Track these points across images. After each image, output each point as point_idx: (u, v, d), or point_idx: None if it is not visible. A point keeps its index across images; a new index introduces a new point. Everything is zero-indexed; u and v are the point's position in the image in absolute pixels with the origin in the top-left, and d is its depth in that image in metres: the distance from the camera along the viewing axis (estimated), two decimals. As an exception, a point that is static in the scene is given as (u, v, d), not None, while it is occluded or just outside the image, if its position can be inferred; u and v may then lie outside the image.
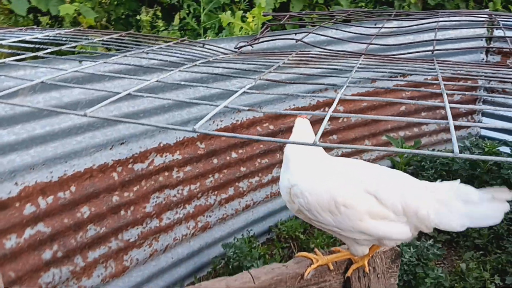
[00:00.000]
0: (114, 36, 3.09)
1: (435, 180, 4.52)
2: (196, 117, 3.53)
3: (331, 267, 2.05)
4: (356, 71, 2.34)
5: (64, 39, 2.94)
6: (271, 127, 4.10)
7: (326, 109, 4.41)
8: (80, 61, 2.90)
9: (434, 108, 5.12)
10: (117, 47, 2.88)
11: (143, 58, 2.90)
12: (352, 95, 4.43)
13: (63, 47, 2.61)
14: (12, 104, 2.45)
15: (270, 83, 3.80)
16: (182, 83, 2.03)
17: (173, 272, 3.49)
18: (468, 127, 5.33)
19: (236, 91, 2.13)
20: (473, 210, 1.87)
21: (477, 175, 4.41)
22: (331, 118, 4.58)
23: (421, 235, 3.99)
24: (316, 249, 2.23)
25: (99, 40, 2.96)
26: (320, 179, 2.02)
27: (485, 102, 5.38)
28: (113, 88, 2.99)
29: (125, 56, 2.50)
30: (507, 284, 3.42)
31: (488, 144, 4.46)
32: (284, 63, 2.55)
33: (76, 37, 3.01)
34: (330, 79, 3.88)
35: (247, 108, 1.88)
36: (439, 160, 4.70)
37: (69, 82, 2.81)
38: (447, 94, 1.83)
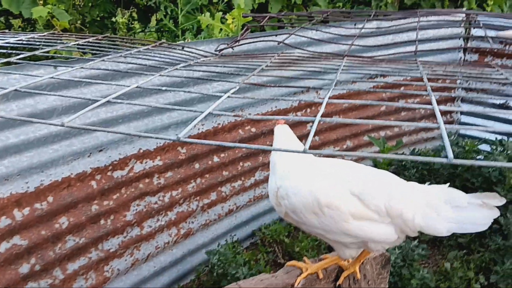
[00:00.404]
0: (90, 39, 2.99)
1: (416, 179, 4.55)
2: (177, 122, 3.45)
3: (321, 276, 2.00)
4: (341, 72, 2.31)
5: (38, 43, 2.83)
6: (253, 129, 4.04)
7: (308, 110, 4.37)
8: (55, 67, 2.81)
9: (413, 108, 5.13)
10: (94, 51, 2.78)
11: (121, 62, 2.81)
12: (334, 96, 4.41)
13: (37, 52, 2.51)
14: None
15: (253, 85, 3.75)
16: (163, 88, 1.96)
17: (155, 281, 3.41)
18: (450, 124, 5.36)
19: (219, 95, 2.06)
20: (461, 215, 1.82)
21: (458, 174, 4.44)
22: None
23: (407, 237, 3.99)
24: (305, 258, 2.18)
25: (75, 44, 2.86)
26: (305, 180, 1.99)
27: (463, 100, 5.43)
28: (90, 94, 2.89)
29: (103, 60, 2.42)
30: (491, 283, 3.44)
31: (468, 142, 4.48)
32: (267, 65, 2.50)
33: (50, 41, 2.90)
34: (314, 81, 3.85)
35: (232, 114, 1.82)
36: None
37: (44, 88, 2.71)
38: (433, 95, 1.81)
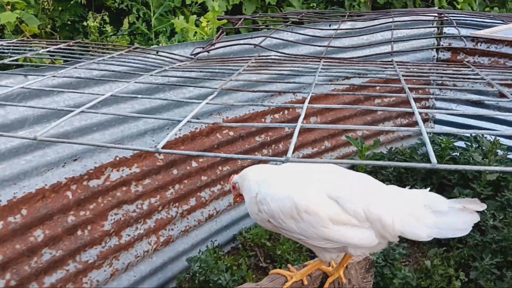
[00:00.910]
0: (62, 45, 2.92)
1: (394, 177, 4.57)
2: (153, 128, 3.40)
3: (306, 282, 1.98)
4: (318, 75, 2.30)
5: (6, 51, 2.74)
6: (231, 133, 4.01)
7: (286, 112, 4.36)
8: (25, 75, 2.71)
9: (393, 105, 5.18)
10: (65, 58, 2.71)
11: (94, 69, 2.75)
12: (312, 97, 4.40)
13: (5, 61, 2.43)
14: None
15: (228, 91, 3.71)
16: (139, 96, 1.91)
17: (136, 290, 3.34)
18: (424, 122, 5.42)
19: (198, 102, 2.03)
20: (442, 220, 1.81)
21: (435, 171, 4.49)
22: (291, 121, 4.55)
23: (386, 235, 4.01)
24: (289, 265, 2.16)
25: (45, 51, 2.78)
26: (282, 185, 1.97)
27: (437, 99, 5.50)
28: (63, 102, 2.81)
29: (75, 68, 2.35)
30: (471, 279, 3.48)
31: (444, 140, 4.54)
32: (244, 69, 2.47)
33: (20, 48, 2.82)
34: (292, 84, 3.84)
35: (211, 122, 1.78)
36: (397, 157, 4.76)
37: (15, 98, 2.63)
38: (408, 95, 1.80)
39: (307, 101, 1.83)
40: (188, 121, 1.78)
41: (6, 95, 1.89)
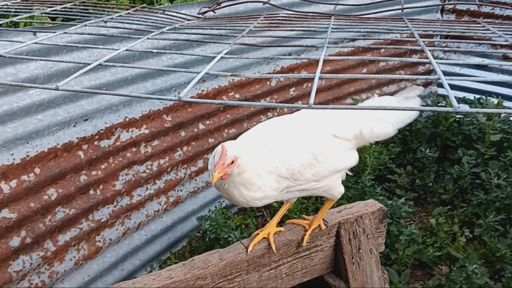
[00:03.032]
0: (68, 5, 2.88)
1: (399, 139, 4.59)
2: (161, 89, 3.39)
3: (323, 227, 2.03)
4: (331, 32, 2.29)
5: (13, 10, 2.71)
6: (237, 95, 4.00)
7: (302, 70, 4.34)
8: (34, 33, 2.70)
9: (397, 68, 5.18)
10: (72, 17, 2.68)
11: (104, 27, 2.72)
12: (328, 55, 4.39)
13: (15, 19, 2.41)
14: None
15: (241, 48, 3.70)
16: (154, 51, 1.90)
17: (147, 249, 3.40)
18: (428, 85, 5.44)
19: (212, 57, 2.02)
20: (397, 114, 2.17)
21: (439, 133, 4.52)
22: (295, 84, 4.54)
23: (392, 195, 4.07)
24: (304, 216, 2.21)
25: (52, 10, 2.75)
26: (291, 143, 2.01)
27: (441, 59, 5.48)
28: (73, 60, 2.79)
29: (85, 25, 2.33)
30: (475, 236, 3.55)
31: (448, 101, 4.55)
32: (254, 26, 2.46)
33: (25, 8, 2.79)
34: (305, 40, 3.80)
35: (229, 74, 1.79)
36: (402, 120, 4.77)
37: (25, 56, 2.60)
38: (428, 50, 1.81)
39: (323, 53, 1.84)
40: (206, 73, 1.79)
41: (16, 51, 1.88)
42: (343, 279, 2.05)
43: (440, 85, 5.57)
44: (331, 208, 2.15)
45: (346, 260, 2.01)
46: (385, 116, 2.15)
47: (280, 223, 2.35)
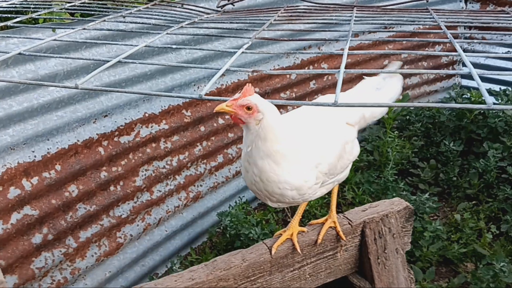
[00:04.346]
0: (87, 0, 2.86)
1: (422, 132, 4.49)
2: (180, 84, 3.36)
3: (338, 228, 1.97)
4: (354, 23, 2.22)
5: (32, 6, 2.70)
6: (257, 89, 3.95)
7: (323, 63, 4.27)
8: (54, 30, 2.68)
9: (419, 59, 5.06)
10: (90, 12, 2.66)
11: (123, 22, 2.69)
12: (351, 48, 4.31)
13: (34, 15, 2.39)
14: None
15: (260, 42, 3.64)
16: (174, 46, 1.86)
17: (168, 245, 3.39)
18: (451, 77, 5.31)
19: (232, 52, 1.98)
20: (387, 91, 2.24)
21: (464, 126, 4.41)
22: (316, 77, 4.47)
23: (415, 190, 3.99)
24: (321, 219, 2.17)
25: (71, 6, 2.73)
26: (323, 135, 1.95)
27: (464, 50, 5.35)
28: (92, 57, 2.78)
29: (104, 21, 2.30)
30: (502, 232, 3.46)
31: (474, 93, 4.43)
32: (274, 20, 2.40)
33: (44, 4, 2.77)
34: (326, 33, 3.73)
35: (250, 70, 1.74)
36: (424, 113, 4.66)
37: (45, 52, 2.59)
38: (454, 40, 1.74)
39: (347, 46, 1.78)
40: (227, 69, 1.75)
41: (35, 49, 1.87)
42: (368, 279, 2.00)
43: (464, 76, 5.43)
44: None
45: (372, 260, 1.96)
46: (380, 95, 2.22)
47: (301, 221, 2.32)
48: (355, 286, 2.00)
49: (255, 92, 4.00)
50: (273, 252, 1.85)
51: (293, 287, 1.93)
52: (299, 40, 2.40)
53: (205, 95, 1.47)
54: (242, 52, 1.84)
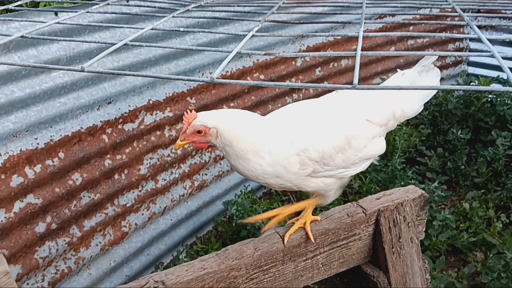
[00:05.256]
0: (89, -17, 2.78)
1: (429, 120, 4.42)
2: (185, 70, 3.29)
3: (311, 235, 1.86)
4: (366, 6, 2.15)
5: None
6: (262, 76, 3.89)
7: (328, 50, 4.20)
8: (56, 13, 2.61)
9: (426, 46, 4.99)
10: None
11: (127, 5, 2.62)
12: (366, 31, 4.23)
13: (36, -2, 2.32)
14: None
15: (267, 26, 3.57)
16: (181, 29, 1.79)
17: (173, 234, 3.34)
18: (458, 64, 5.24)
19: (241, 35, 1.91)
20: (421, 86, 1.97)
21: (471, 113, 4.35)
22: (321, 64, 4.39)
23: (423, 179, 3.93)
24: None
25: (73, -11, 2.66)
26: (322, 124, 1.86)
27: (471, 40, 5.27)
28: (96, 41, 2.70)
29: (107, 4, 2.23)
30: (511, 221, 3.42)
31: (482, 81, 4.36)
32: (283, 3, 2.33)
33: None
34: (337, 17, 3.65)
35: (262, 52, 1.68)
36: (431, 100, 4.59)
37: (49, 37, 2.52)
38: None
39: (361, 29, 1.71)
40: (238, 52, 1.68)
41: (38, 32, 1.79)
42: (382, 269, 1.95)
43: (471, 64, 5.36)
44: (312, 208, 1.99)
45: (386, 249, 1.91)
46: (414, 93, 2.03)
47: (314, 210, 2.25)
48: (368, 276, 1.96)
49: (260, 79, 3.91)
50: (285, 241, 1.80)
51: (306, 276, 1.88)
52: (310, 23, 2.33)
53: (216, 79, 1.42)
54: (253, 35, 1.78)
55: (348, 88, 1.28)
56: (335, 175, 1.87)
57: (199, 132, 1.66)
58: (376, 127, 1.92)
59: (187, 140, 1.68)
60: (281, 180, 1.76)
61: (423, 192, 2.01)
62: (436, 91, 2.07)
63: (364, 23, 1.91)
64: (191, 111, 1.70)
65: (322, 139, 1.80)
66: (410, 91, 2.01)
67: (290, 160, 1.73)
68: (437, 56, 2.08)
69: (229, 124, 1.67)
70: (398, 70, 2.18)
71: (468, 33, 5.13)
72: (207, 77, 1.07)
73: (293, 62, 4.10)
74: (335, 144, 1.80)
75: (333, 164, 1.83)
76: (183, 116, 1.67)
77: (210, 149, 3.57)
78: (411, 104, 2.01)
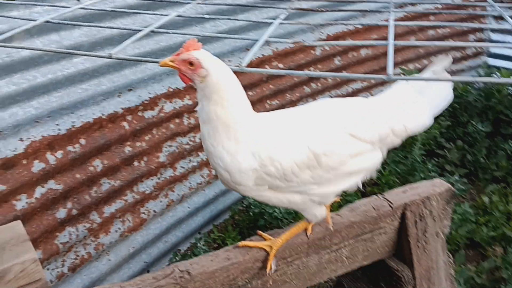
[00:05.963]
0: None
1: (448, 112, 4.36)
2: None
3: (269, 268, 1.70)
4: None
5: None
6: (281, 65, 3.85)
7: (348, 39, 4.15)
8: (78, -2, 2.59)
9: (446, 37, 4.91)
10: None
11: (149, -9, 2.60)
12: (365, 28, 4.18)
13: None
14: (31, 48, 2.17)
15: (289, 14, 3.53)
16: (207, 16, 1.77)
17: (190, 221, 3.34)
18: (477, 55, 5.15)
19: (269, 21, 1.89)
20: (430, 97, 1.79)
21: (492, 106, 4.28)
22: (340, 53, 4.34)
23: (442, 171, 3.89)
24: (259, 232, 1.84)
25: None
26: (289, 136, 1.62)
27: (492, 30, 5.18)
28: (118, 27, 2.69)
29: (132, -11, 2.21)
30: (532, 216, 3.37)
31: (503, 72, 4.29)
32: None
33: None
34: (361, 4, 3.59)
35: (290, 41, 1.65)
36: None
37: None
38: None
39: (391, 18, 1.68)
40: (266, 41, 1.65)
41: (61, 18, 1.78)
42: (407, 263, 1.93)
43: (491, 55, 5.28)
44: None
45: (411, 243, 1.89)
46: (417, 104, 1.76)
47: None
48: (392, 270, 1.94)
49: (279, 68, 3.88)
50: (308, 234, 1.78)
51: (330, 269, 1.86)
52: (340, 11, 2.28)
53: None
54: (269, 24, 1.75)
55: (382, 79, 1.25)
56: (305, 191, 1.66)
57: (191, 63, 1.49)
58: (362, 144, 1.67)
59: (175, 64, 1.51)
60: (231, 179, 1.56)
61: (450, 186, 1.98)
62: (445, 104, 1.84)
63: (393, 11, 1.88)
64: (198, 41, 1.52)
65: (282, 153, 1.58)
66: (415, 104, 1.77)
67: (244, 165, 1.54)
68: (449, 60, 1.81)
69: (221, 78, 1.51)
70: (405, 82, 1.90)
71: (489, 24, 5.03)
72: (234, 66, 1.04)
73: (312, 51, 4.05)
74: (298, 160, 1.58)
75: (297, 181, 1.61)
76: (187, 41, 1.51)
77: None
78: (416, 118, 1.75)
